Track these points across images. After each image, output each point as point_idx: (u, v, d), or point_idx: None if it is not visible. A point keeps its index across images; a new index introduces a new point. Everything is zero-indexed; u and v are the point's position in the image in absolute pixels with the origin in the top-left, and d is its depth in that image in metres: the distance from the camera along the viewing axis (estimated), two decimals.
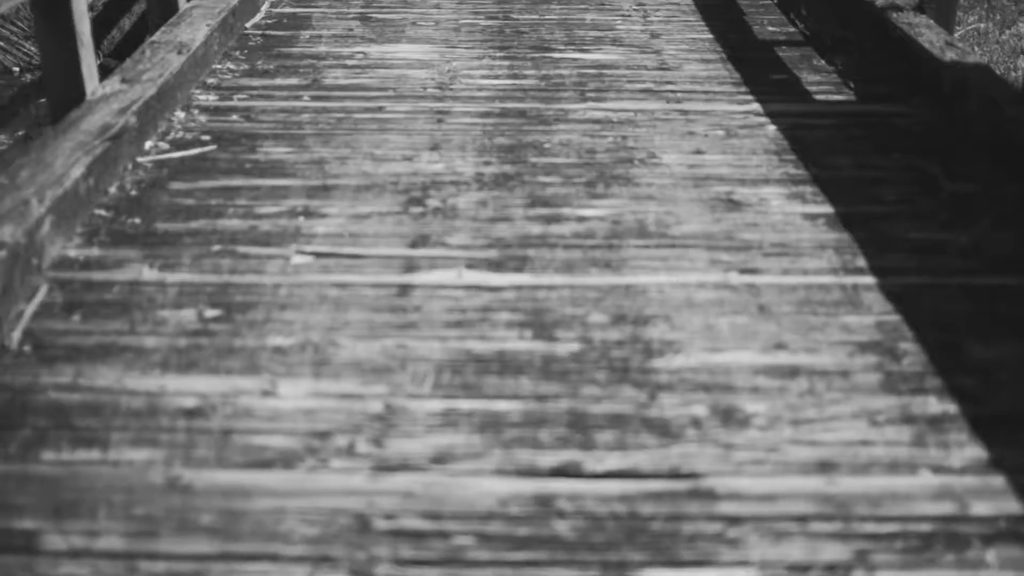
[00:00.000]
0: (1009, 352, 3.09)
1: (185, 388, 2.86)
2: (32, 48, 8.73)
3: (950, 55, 5.22)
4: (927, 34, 5.54)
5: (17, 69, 9.20)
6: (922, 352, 3.06)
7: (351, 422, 2.72)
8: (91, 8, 8.95)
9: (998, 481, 2.52)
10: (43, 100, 7.26)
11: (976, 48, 7.90)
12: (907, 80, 5.43)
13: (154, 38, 5.45)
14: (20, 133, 8.12)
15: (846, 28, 6.25)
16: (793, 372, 2.95)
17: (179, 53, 5.18)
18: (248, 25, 6.28)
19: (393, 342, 3.08)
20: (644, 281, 3.45)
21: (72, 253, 3.61)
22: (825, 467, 2.56)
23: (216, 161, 4.40)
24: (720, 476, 2.54)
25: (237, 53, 5.80)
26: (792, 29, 6.34)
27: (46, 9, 4.46)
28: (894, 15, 5.88)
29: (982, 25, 8.55)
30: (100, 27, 9.06)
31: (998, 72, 7.04)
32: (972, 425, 2.73)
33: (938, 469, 2.56)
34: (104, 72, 7.29)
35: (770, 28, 6.36)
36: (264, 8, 6.64)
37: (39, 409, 2.77)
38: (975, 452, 2.62)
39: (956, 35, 7.39)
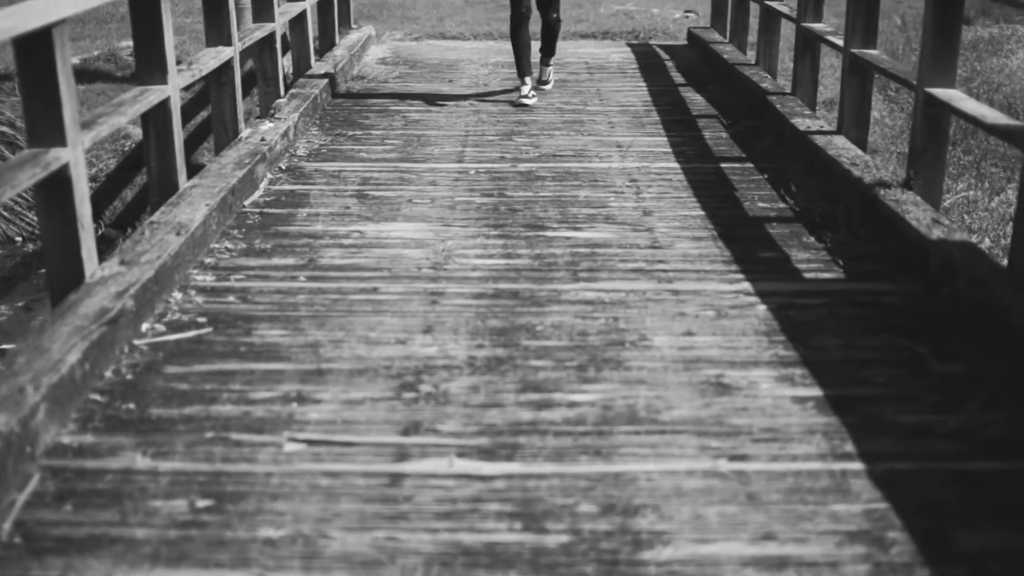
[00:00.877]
0: (999, 541, 3.10)
1: None
2: (35, 218, 8.84)
3: (936, 233, 5.31)
4: (914, 212, 5.64)
5: (20, 239, 9.32)
6: (910, 541, 3.06)
7: None
8: (94, 179, 9.13)
9: None
10: (44, 271, 7.36)
11: (965, 216, 7.99)
12: (895, 258, 5.52)
13: (153, 218, 5.54)
14: (20, 304, 8.19)
15: (835, 204, 6.36)
16: (782, 564, 2.95)
17: (178, 234, 5.26)
18: (247, 203, 6.37)
19: (383, 534, 3.08)
20: (634, 469, 3.47)
21: (66, 440, 3.64)
22: None
23: (212, 344, 4.45)
24: None
25: (235, 232, 5.88)
26: (783, 205, 6.44)
27: (49, 192, 4.55)
28: (882, 192, 5.99)
29: (971, 192, 8.66)
30: (102, 198, 9.22)
31: (988, 239, 7.16)
32: None
33: None
34: (105, 243, 7.40)
35: (760, 204, 6.45)
36: (263, 186, 6.74)
37: None
38: None
39: (946, 203, 7.52)
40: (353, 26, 12.92)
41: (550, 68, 10.01)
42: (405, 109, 9.15)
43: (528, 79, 9.41)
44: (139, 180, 9.50)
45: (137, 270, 4.76)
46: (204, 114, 10.16)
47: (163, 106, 5.86)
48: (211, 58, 6.86)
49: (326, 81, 9.39)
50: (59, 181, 4.49)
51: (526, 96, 9.27)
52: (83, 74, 12.03)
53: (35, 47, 4.35)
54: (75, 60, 12.57)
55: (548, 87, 9.93)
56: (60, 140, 4.47)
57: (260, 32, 8.16)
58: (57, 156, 4.42)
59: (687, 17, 16.34)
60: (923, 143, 6.08)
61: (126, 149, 9.92)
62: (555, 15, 9.54)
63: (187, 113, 9.57)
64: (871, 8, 7.29)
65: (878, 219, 5.86)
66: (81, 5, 4.70)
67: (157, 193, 6.06)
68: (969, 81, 12.11)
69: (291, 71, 10.28)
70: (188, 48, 13.19)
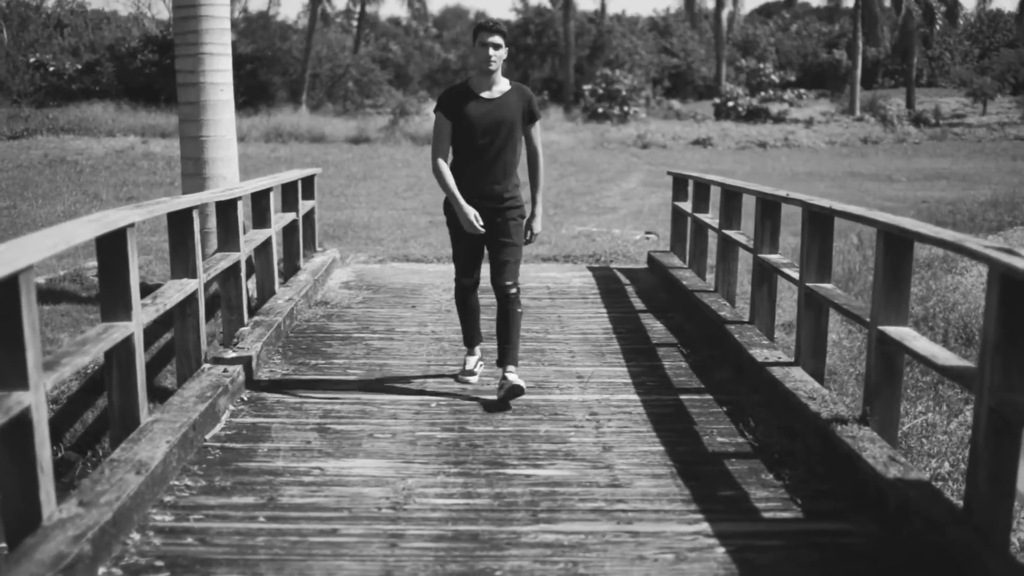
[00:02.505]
0: None
1: None
2: None
3: (893, 472, 5.36)
4: (871, 449, 5.70)
5: None
6: None
7: None
8: (55, 401, 9.12)
9: None
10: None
11: (924, 441, 8.04)
12: (853, 497, 5.55)
13: (114, 456, 5.53)
14: None
15: (793, 439, 6.42)
16: None
17: (138, 473, 5.26)
18: (208, 437, 6.38)
19: None
20: None
21: None
22: None
23: None
24: None
25: (196, 468, 5.87)
26: (741, 439, 6.49)
27: (9, 435, 4.54)
28: (838, 428, 6.05)
29: (929, 415, 8.73)
30: (63, 420, 9.18)
31: (948, 463, 7.20)
32: None
33: None
34: (64, 466, 7.35)
35: (719, 439, 6.50)
36: (224, 418, 6.76)
37: None
38: None
39: (904, 427, 7.59)
40: (318, 249, 13.12)
41: (514, 375, 7.35)
42: (368, 337, 9.24)
43: (477, 349, 7.88)
44: (100, 403, 9.49)
45: (96, 512, 4.74)
46: (168, 335, 10.21)
47: (126, 343, 5.91)
48: (176, 291, 6.95)
49: (290, 308, 9.49)
50: (20, 425, 4.49)
51: (471, 371, 7.71)
52: (48, 294, 12.12)
53: (1, 293, 4.40)
54: (40, 280, 12.67)
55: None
56: (22, 384, 4.49)
57: (225, 262, 8.28)
58: (19, 400, 4.43)
59: (647, 239, 16.68)
60: (878, 379, 6.18)
61: (89, 371, 9.92)
62: (510, 283, 7.41)
63: (151, 334, 9.64)
64: (825, 243, 7.48)
65: (836, 456, 5.91)
66: (47, 252, 4.76)
67: (119, 427, 6.07)
68: (925, 300, 12.32)
69: (255, 295, 10.39)
70: (154, 268, 13.34)
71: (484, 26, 7.27)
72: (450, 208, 7.49)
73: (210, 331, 9.34)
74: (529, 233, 7.55)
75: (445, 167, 7.40)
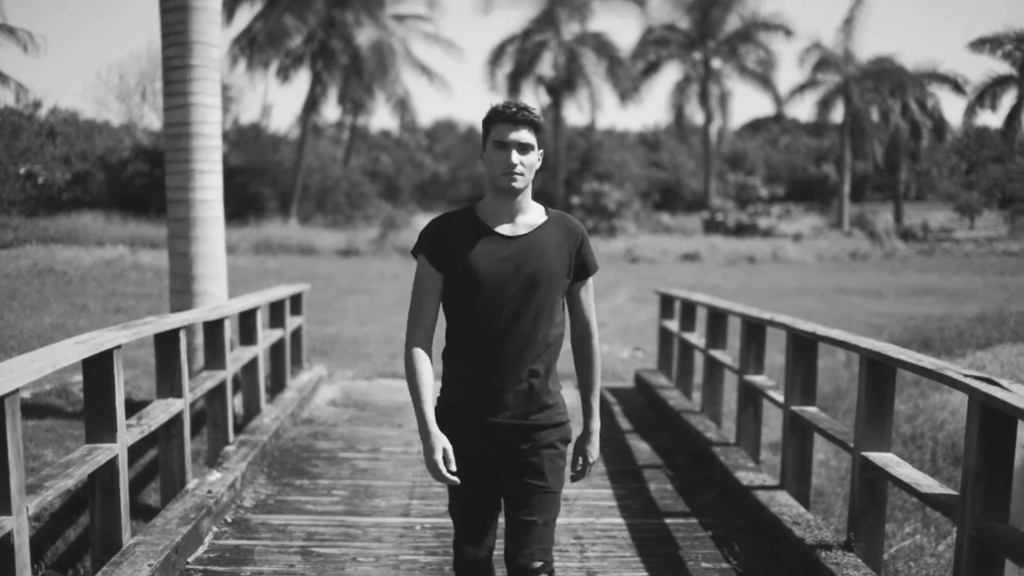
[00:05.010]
0: None
1: None
2: None
3: None
4: None
5: None
6: None
7: None
8: (37, 519, 9.07)
9: None
10: None
11: (911, 564, 8.02)
12: None
13: None
14: None
15: (778, 565, 6.40)
16: None
17: None
18: (190, 560, 6.35)
19: None
20: None
21: None
22: None
23: None
24: None
25: None
26: (726, 565, 6.47)
27: None
28: (823, 554, 6.05)
29: (917, 537, 8.70)
30: (44, 538, 9.12)
31: None
32: None
33: None
34: None
35: (704, 564, 6.48)
36: (208, 540, 6.73)
37: None
38: None
39: (892, 550, 7.57)
40: (305, 365, 13.12)
41: None
42: (353, 457, 9.22)
43: None
44: (83, 520, 9.43)
45: None
46: (153, 452, 10.18)
47: (110, 465, 5.92)
48: (161, 411, 6.95)
49: (276, 427, 9.48)
50: (1, 550, 4.49)
51: None
52: (33, 409, 12.07)
53: None
54: (25, 395, 12.64)
55: None
56: (5, 508, 4.50)
57: (211, 382, 8.28)
58: (1, 525, 4.43)
59: (636, 355, 16.71)
60: (862, 505, 6.18)
61: (72, 489, 9.88)
62: (538, 566, 4.22)
63: (136, 451, 9.59)
64: (809, 367, 7.52)
65: None
66: (32, 375, 4.78)
67: (99, 549, 6.04)
68: (913, 419, 12.31)
69: (241, 412, 10.37)
70: (140, 383, 13.30)
71: (503, 113, 4.17)
72: (446, 420, 4.32)
73: (195, 448, 9.31)
74: (581, 461, 4.52)
75: (421, 359, 4.31)
